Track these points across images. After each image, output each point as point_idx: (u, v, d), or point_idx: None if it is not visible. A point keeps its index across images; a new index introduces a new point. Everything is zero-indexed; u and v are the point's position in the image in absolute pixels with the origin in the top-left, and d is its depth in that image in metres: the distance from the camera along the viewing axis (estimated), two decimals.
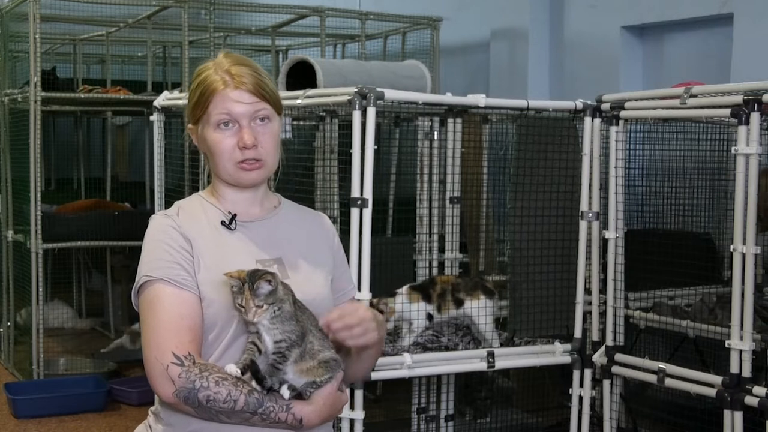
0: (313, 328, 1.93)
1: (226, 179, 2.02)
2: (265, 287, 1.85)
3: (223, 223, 2.01)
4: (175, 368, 1.83)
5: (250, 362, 1.86)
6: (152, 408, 2.05)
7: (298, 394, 1.89)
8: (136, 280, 1.96)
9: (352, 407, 3.43)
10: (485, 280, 4.00)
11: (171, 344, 1.85)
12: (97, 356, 6.58)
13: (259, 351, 1.87)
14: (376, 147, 3.39)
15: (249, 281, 1.85)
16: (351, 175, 3.42)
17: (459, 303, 3.75)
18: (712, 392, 3.30)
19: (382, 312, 3.64)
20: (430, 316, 3.74)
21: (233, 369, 1.86)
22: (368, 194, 3.38)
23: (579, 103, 3.87)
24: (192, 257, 1.94)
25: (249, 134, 1.96)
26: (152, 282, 1.92)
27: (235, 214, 2.02)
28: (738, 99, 3.22)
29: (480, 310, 3.74)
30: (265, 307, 1.85)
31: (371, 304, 3.65)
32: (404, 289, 3.76)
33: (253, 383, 1.87)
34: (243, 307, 1.86)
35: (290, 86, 4.39)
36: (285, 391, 1.87)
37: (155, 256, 1.94)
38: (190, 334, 1.88)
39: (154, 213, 2.10)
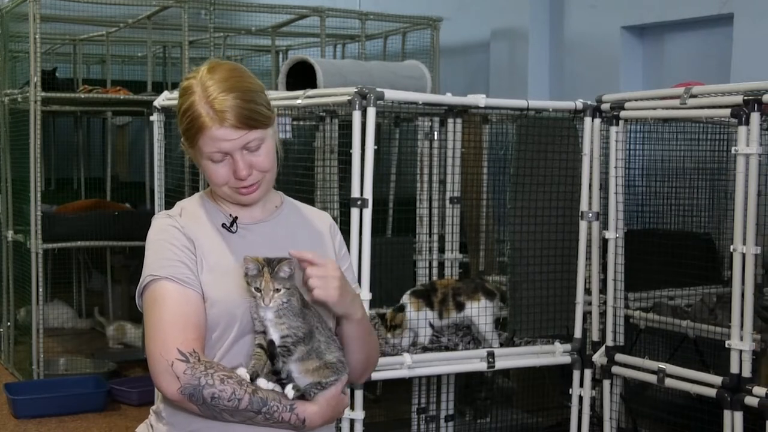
0: (320, 326, 1.93)
1: (225, 199, 2.03)
2: (285, 269, 1.87)
3: (224, 225, 2.01)
4: (180, 364, 1.83)
5: (260, 368, 1.87)
6: (153, 407, 2.05)
7: (302, 395, 1.89)
8: (141, 280, 1.95)
9: (352, 407, 3.43)
10: (485, 281, 4.00)
11: (176, 341, 1.85)
12: (97, 356, 6.59)
13: (267, 354, 1.87)
14: (376, 147, 3.39)
15: (268, 264, 1.87)
16: (351, 175, 3.42)
17: (460, 307, 3.75)
18: (712, 392, 3.30)
19: (396, 327, 3.64)
20: (431, 325, 3.74)
21: (243, 373, 1.86)
22: (368, 194, 3.38)
23: (579, 103, 3.87)
24: (195, 257, 1.94)
25: (242, 166, 1.93)
26: (157, 280, 1.91)
27: (236, 217, 2.02)
28: (738, 99, 3.22)
29: (480, 311, 3.74)
30: (282, 291, 1.86)
31: (383, 318, 3.66)
32: (406, 297, 3.75)
33: (259, 381, 1.86)
34: (259, 290, 1.86)
35: (290, 86, 4.40)
36: (290, 391, 1.87)
37: (160, 256, 1.94)
38: (195, 332, 1.88)
39: (154, 213, 2.10)
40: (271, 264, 1.87)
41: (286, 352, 1.87)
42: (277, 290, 1.86)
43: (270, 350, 1.87)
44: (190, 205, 2.06)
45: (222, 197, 2.02)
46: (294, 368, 1.89)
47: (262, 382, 1.87)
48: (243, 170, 1.93)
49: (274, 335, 1.87)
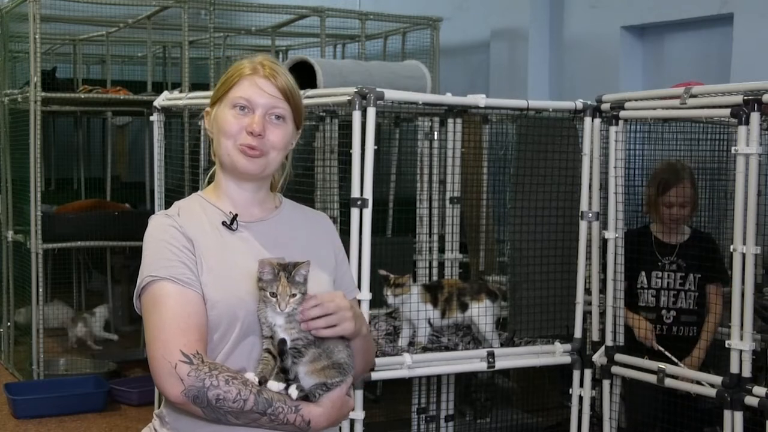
0: None
1: (225, 162, 2.01)
2: (302, 273, 1.87)
3: (224, 223, 2.00)
4: (183, 366, 1.81)
5: (268, 372, 1.86)
6: (157, 411, 2.03)
7: (306, 396, 1.88)
8: (139, 281, 1.93)
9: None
10: (488, 282, 3.99)
11: (179, 342, 1.83)
12: (97, 356, 6.59)
13: (275, 359, 1.86)
14: (376, 147, 3.38)
15: (284, 269, 1.86)
16: (351, 175, 3.42)
17: (464, 307, 3.74)
18: (712, 392, 3.30)
19: (399, 286, 3.62)
20: (429, 323, 3.73)
21: (252, 377, 1.85)
22: (368, 194, 3.38)
23: (579, 103, 3.86)
24: (194, 257, 1.93)
25: (259, 123, 1.97)
26: (156, 281, 1.90)
27: (237, 215, 2.01)
28: (738, 99, 3.21)
29: (481, 311, 3.74)
30: (297, 296, 1.86)
31: (386, 278, 3.63)
32: (416, 288, 3.73)
33: (268, 384, 1.86)
34: (275, 295, 1.85)
35: None
36: (293, 392, 1.86)
37: (158, 256, 1.92)
38: (197, 333, 1.86)
39: (154, 213, 2.09)
40: (287, 268, 1.87)
41: (297, 354, 1.86)
42: (293, 295, 1.85)
43: (280, 347, 1.85)
44: (188, 205, 2.05)
45: (223, 162, 2.02)
46: (302, 369, 1.88)
47: (273, 385, 1.86)
48: (258, 126, 1.96)
49: (285, 338, 1.86)
